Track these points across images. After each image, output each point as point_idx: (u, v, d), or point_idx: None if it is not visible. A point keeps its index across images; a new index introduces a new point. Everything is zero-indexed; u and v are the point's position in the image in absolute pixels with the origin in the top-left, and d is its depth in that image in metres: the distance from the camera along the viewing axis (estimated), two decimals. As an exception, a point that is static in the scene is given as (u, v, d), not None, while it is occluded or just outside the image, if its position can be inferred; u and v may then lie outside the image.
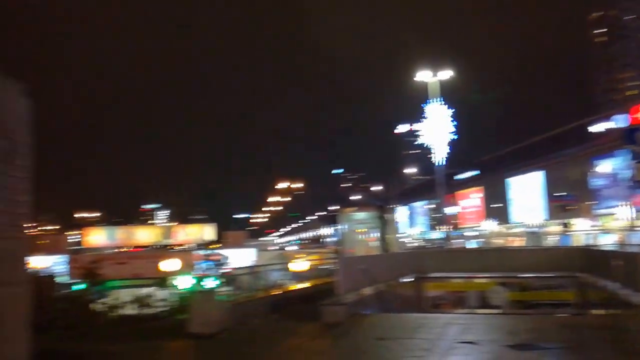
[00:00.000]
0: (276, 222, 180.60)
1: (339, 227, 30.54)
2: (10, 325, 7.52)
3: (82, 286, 16.85)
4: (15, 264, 7.81)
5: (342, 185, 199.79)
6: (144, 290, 18.65)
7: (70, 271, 26.82)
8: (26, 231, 8.12)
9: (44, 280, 15.86)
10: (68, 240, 47.83)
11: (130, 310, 15.08)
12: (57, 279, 19.99)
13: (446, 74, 42.56)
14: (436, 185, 46.92)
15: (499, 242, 59.30)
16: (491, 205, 75.46)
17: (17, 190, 7.79)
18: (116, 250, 49.40)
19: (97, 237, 48.67)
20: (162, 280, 28.00)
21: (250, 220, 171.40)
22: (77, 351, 9.94)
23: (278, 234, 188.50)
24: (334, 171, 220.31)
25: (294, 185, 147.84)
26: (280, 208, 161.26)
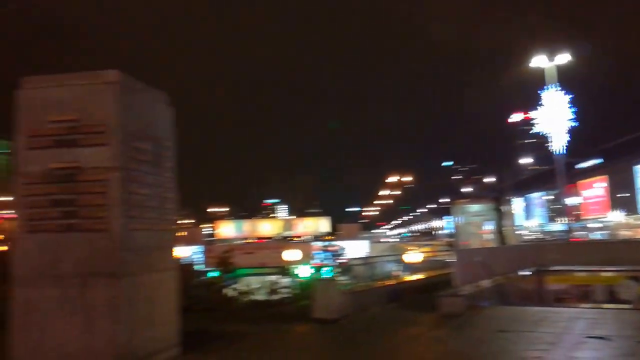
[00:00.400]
0: (387, 215, 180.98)
1: (453, 219, 30.13)
2: (162, 307, 8.64)
3: (216, 273, 18.34)
4: (165, 253, 8.95)
5: (452, 177, 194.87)
6: (270, 278, 19.83)
7: (205, 260, 29.17)
8: (173, 224, 9.23)
9: (186, 268, 17.47)
10: (202, 232, 51.71)
11: (259, 296, 16.21)
12: (195, 267, 22.00)
13: (564, 57, 40.23)
14: (556, 175, 44.43)
15: (627, 234, 54.76)
16: (617, 195, 70.03)
17: (165, 188, 8.91)
18: (244, 241, 52.48)
19: (227, 229, 52.32)
20: (284, 269, 29.45)
21: (362, 214, 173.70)
22: (218, 331, 10.98)
23: (389, 226, 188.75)
24: (444, 163, 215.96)
25: (404, 179, 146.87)
26: (391, 201, 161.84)
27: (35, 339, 7.72)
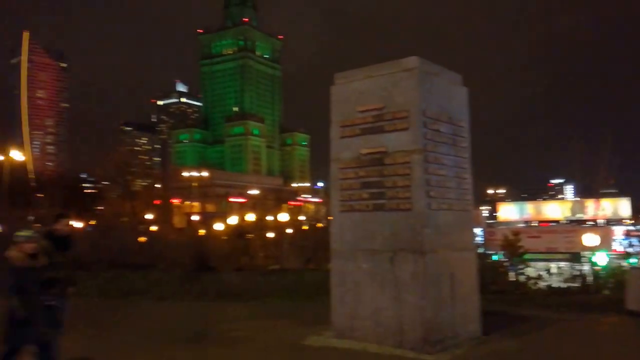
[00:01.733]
0: None
1: None
2: (464, 285, 8.79)
3: (497, 256, 17.86)
4: (464, 232, 9.07)
5: None
6: (559, 264, 18.45)
7: (485, 243, 28.66)
8: (471, 205, 9.29)
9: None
10: (483, 215, 50.89)
11: (551, 282, 15.27)
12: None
13: None
14: None
15: None
16: None
17: (462, 169, 9.01)
18: (527, 224, 49.95)
19: (508, 212, 50.37)
20: (576, 255, 27.01)
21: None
22: (516, 314, 10.72)
23: None
24: None
25: None
26: None
27: (351, 307, 8.69)
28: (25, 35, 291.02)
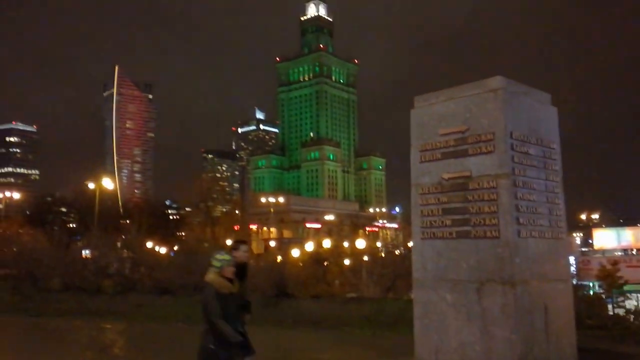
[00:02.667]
0: None
1: None
2: (558, 320, 8.11)
3: (594, 288, 16.59)
4: (558, 262, 8.40)
5: None
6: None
7: (579, 273, 26.84)
8: (564, 232, 8.65)
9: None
10: (575, 242, 48.03)
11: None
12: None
13: None
14: None
15: None
16: None
17: (553, 194, 8.42)
18: (626, 252, 46.58)
19: (604, 238, 47.07)
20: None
21: None
22: (617, 352, 9.83)
23: None
24: None
25: None
26: None
27: (434, 340, 8.24)
28: (116, 69, 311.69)
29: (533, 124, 8.23)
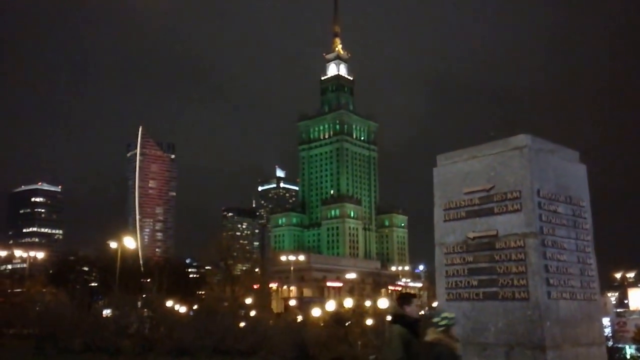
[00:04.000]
0: None
1: None
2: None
3: (631, 350, 15.86)
4: (591, 325, 8.03)
5: None
6: None
7: (614, 335, 25.58)
8: (597, 293, 8.33)
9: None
10: (611, 302, 46.29)
11: None
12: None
13: None
14: None
15: None
16: None
17: (585, 253, 8.15)
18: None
19: (640, 298, 45.37)
20: None
21: None
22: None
23: None
24: None
25: None
26: None
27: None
28: (140, 130, 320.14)
29: (561, 182, 8.08)
